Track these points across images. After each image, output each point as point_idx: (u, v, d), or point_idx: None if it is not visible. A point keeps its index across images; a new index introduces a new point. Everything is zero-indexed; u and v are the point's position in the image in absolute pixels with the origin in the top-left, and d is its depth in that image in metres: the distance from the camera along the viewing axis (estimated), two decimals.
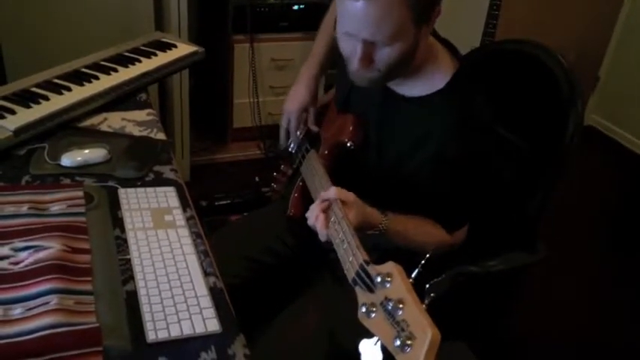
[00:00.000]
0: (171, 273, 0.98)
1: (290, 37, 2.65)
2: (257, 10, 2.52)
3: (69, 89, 1.43)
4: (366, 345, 0.70)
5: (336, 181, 1.09)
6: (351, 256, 0.83)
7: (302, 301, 1.19)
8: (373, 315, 0.71)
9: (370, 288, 0.74)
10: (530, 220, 1.23)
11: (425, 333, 0.61)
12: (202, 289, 0.96)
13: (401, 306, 0.66)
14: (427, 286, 0.69)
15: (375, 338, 0.70)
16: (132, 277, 0.97)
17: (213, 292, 0.97)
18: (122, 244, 1.04)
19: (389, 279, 0.70)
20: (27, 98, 1.36)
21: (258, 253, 1.30)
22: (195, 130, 2.63)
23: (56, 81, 1.46)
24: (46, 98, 1.38)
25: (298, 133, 1.41)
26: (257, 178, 2.28)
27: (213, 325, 0.90)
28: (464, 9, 2.56)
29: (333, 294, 1.17)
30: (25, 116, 1.30)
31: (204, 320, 0.90)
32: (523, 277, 1.33)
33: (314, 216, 0.98)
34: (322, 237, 0.97)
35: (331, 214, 0.97)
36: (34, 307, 0.85)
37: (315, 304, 1.18)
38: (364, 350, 0.70)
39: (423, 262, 0.70)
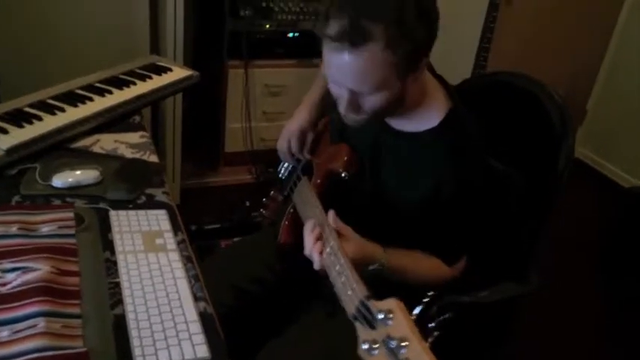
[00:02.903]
0: (160, 297, 0.97)
1: (284, 64, 2.68)
2: (253, 37, 2.55)
3: (62, 110, 1.42)
4: None
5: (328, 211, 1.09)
6: (349, 290, 0.83)
7: (292, 330, 1.17)
8: (376, 352, 0.70)
9: (371, 324, 0.73)
10: (522, 251, 1.24)
11: None
12: (192, 315, 0.95)
13: (404, 344, 0.66)
14: (430, 325, 0.69)
15: None
16: (120, 301, 0.95)
17: (203, 317, 0.96)
18: (112, 266, 1.03)
19: (391, 315, 0.70)
20: (20, 118, 1.36)
21: (246, 282, 1.29)
22: (187, 153, 2.63)
23: (50, 101, 1.46)
24: (40, 118, 1.37)
25: (299, 155, 1.41)
26: (247, 203, 2.27)
27: (203, 352, 0.88)
28: (454, 41, 2.61)
29: (326, 323, 1.16)
30: (17, 136, 1.30)
31: (194, 346, 0.89)
32: (518, 306, 1.33)
33: (311, 243, 0.97)
34: (316, 265, 0.97)
35: (327, 244, 0.97)
36: (21, 330, 0.83)
37: (306, 334, 1.16)
38: None
39: (426, 299, 0.70)
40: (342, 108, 1.07)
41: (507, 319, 1.31)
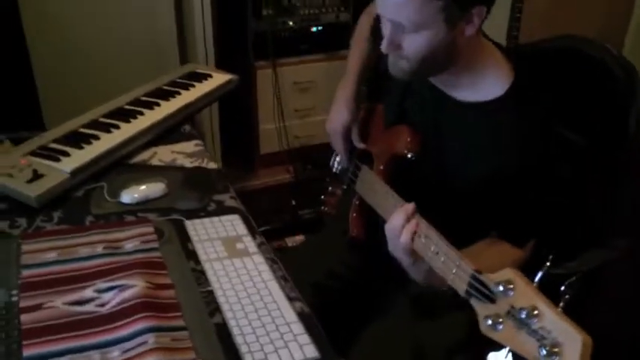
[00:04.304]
0: (256, 302, 0.96)
1: (311, 59, 2.66)
2: (277, 35, 2.53)
3: (117, 127, 1.42)
4: (495, 358, 0.68)
5: None
6: (454, 268, 0.81)
7: (380, 323, 1.16)
8: (500, 327, 0.68)
9: (490, 298, 0.71)
10: (602, 221, 1.21)
11: (574, 338, 0.59)
12: (291, 315, 0.94)
13: (535, 313, 0.64)
14: (563, 287, 0.67)
15: (505, 351, 0.67)
16: (217, 309, 0.95)
17: (303, 317, 0.95)
18: (200, 276, 1.02)
19: (511, 286, 0.68)
20: (78, 139, 1.36)
21: (324, 278, 1.27)
22: (223, 159, 2.63)
23: (103, 120, 1.46)
24: (97, 137, 1.37)
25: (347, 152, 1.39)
26: (293, 202, 2.27)
27: (312, 352, 0.87)
28: None
29: (413, 311, 1.14)
30: (79, 157, 1.30)
31: (301, 347, 0.88)
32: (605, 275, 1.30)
33: (410, 232, 0.94)
34: (406, 253, 0.95)
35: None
36: (132, 349, 0.83)
37: (393, 325, 1.15)
38: None
39: (548, 263, 0.68)
40: (383, 49, 1.03)
41: (594, 289, 1.28)
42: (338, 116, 1.37)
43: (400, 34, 1.00)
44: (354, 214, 1.28)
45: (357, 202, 1.27)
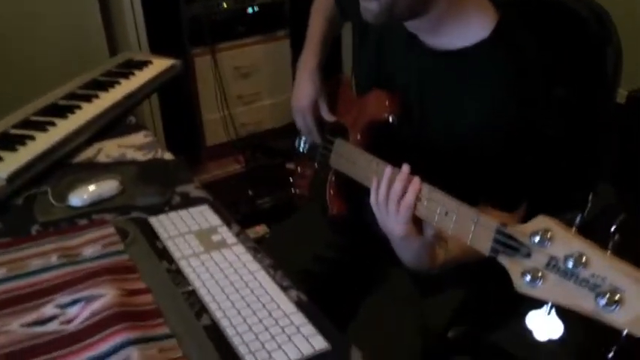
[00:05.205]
0: (246, 296, 0.85)
1: (250, 42, 2.52)
2: (211, 19, 2.39)
3: (53, 124, 1.26)
4: (537, 318, 0.60)
5: None
6: (472, 226, 0.73)
7: (376, 300, 1.07)
8: (540, 282, 0.61)
9: (523, 252, 0.64)
10: (592, 174, 1.16)
11: (636, 280, 0.52)
12: (289, 306, 0.84)
13: (584, 260, 0.57)
14: (612, 228, 0.60)
15: (546, 308, 0.60)
16: (204, 310, 0.83)
17: (301, 306, 0.84)
18: (177, 276, 0.90)
19: (548, 235, 0.61)
20: (10, 141, 1.19)
21: (310, 264, 1.18)
22: None
23: (35, 118, 1.29)
24: (32, 138, 1.21)
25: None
26: (250, 192, 2.15)
27: (320, 343, 0.77)
28: None
29: (407, 287, 1.07)
30: (13, 161, 1.14)
31: (307, 339, 0.78)
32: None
33: (414, 193, 0.85)
34: (406, 223, 0.86)
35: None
36: None
37: (390, 301, 1.07)
38: (535, 324, 0.60)
39: (587, 209, 0.61)
40: None
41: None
42: (303, 91, 1.27)
43: None
44: (332, 192, 1.19)
45: (333, 178, 1.18)
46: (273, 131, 2.65)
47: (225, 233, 1.00)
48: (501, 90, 0.97)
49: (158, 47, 2.49)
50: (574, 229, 0.61)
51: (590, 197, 0.66)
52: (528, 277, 0.61)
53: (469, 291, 1.11)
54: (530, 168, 1.03)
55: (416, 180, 0.84)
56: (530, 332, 1.23)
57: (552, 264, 0.60)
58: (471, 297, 1.12)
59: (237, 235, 1.00)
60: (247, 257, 0.94)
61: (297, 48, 2.37)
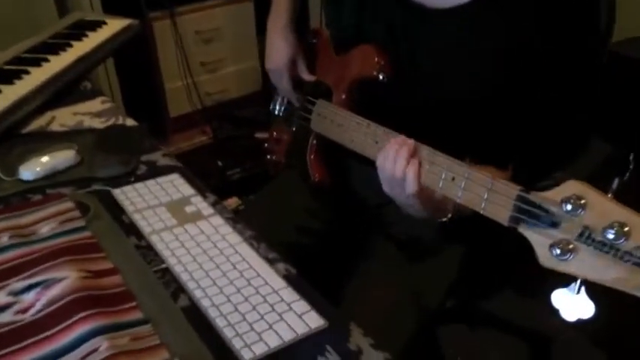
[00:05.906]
0: (228, 272, 0.76)
1: (211, 5, 2.38)
2: None
3: None
4: (563, 296, 0.53)
5: None
6: (485, 193, 0.65)
7: (367, 269, 0.99)
8: (571, 256, 0.53)
9: (549, 222, 0.56)
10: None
11: None
12: (277, 281, 0.75)
13: (626, 230, 0.49)
14: None
15: (574, 286, 0.53)
16: (181, 289, 0.73)
17: (291, 280, 0.76)
18: (147, 252, 0.80)
19: (582, 202, 0.53)
20: None
21: (294, 236, 1.08)
22: None
23: None
24: None
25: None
26: (220, 163, 2.03)
27: (315, 320, 0.69)
28: None
29: (398, 253, 0.99)
30: None
31: (301, 317, 0.69)
32: None
33: (403, 166, 0.77)
34: (413, 188, 0.77)
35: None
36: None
37: (382, 269, 0.99)
38: (563, 304, 0.53)
39: (628, 173, 0.54)
40: None
41: None
42: (277, 51, 1.16)
43: None
44: (312, 156, 1.09)
45: (315, 142, 1.09)
46: (240, 99, 2.53)
47: (200, 204, 0.90)
48: (500, 50, 0.88)
49: (113, 11, 2.33)
50: (610, 194, 0.53)
51: (632, 157, 0.58)
52: (557, 250, 0.54)
53: (463, 259, 1.05)
54: (524, 121, 0.96)
55: (413, 162, 0.76)
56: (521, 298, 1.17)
57: (587, 235, 0.52)
58: (465, 264, 1.06)
59: (214, 205, 0.90)
60: (226, 229, 0.84)
61: (261, 11, 2.25)
